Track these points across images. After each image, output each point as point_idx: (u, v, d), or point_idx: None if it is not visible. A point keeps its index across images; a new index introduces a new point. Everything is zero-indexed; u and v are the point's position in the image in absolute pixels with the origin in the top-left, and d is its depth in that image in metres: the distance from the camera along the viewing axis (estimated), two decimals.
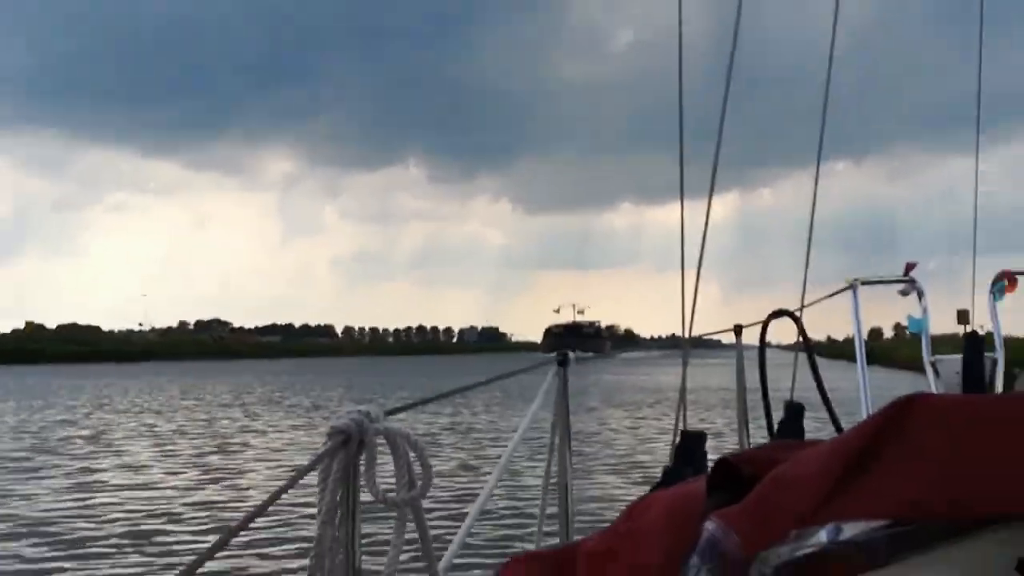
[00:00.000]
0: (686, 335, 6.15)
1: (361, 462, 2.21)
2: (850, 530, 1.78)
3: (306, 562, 2.15)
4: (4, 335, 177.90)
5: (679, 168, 6.28)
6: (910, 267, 6.21)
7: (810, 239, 7.23)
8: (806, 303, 6.54)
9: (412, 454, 2.23)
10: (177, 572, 1.70)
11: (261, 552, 13.14)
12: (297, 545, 13.09)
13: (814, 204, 7.41)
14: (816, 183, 7.53)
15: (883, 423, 1.72)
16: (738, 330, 6.44)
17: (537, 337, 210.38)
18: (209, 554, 1.88)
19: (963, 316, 6.35)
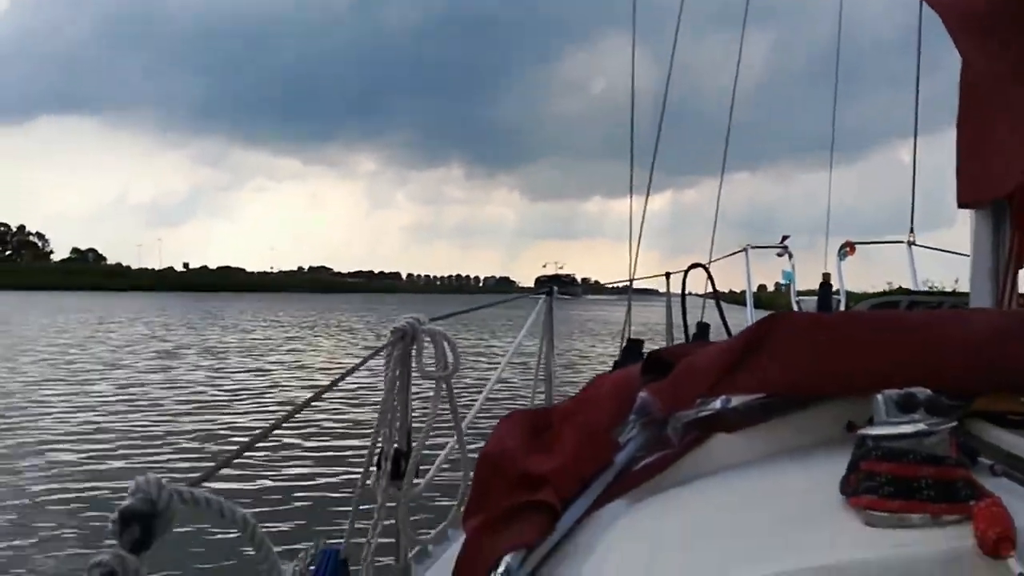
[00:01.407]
0: (631, 281, 6.19)
1: (412, 351, 2.22)
2: (735, 401, 1.80)
3: (374, 416, 2.18)
4: (185, 272, 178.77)
5: (629, 174, 6.32)
6: (785, 238, 6.26)
7: (716, 220, 7.16)
8: (713, 259, 6.53)
9: (447, 346, 2.25)
10: (284, 414, 1.70)
11: (341, 409, 13.27)
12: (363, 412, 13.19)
13: (719, 197, 7.36)
14: (720, 185, 7.47)
15: (758, 329, 1.73)
16: (667, 276, 6.42)
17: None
18: (305, 404, 1.90)
19: (825, 277, 6.40)
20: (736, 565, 1.19)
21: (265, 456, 9.82)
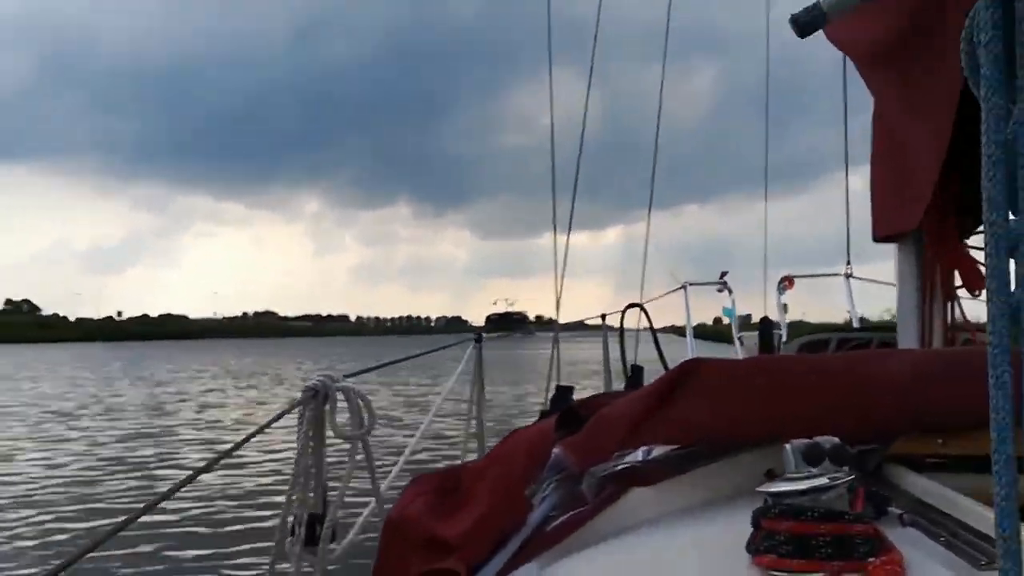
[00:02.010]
0: (558, 321, 6.16)
1: (326, 410, 2.17)
2: (652, 453, 1.78)
3: (287, 479, 2.12)
4: (124, 321, 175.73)
5: (552, 212, 6.20)
6: (723, 274, 6.33)
7: (644, 258, 7.14)
8: (650, 299, 6.54)
9: (362, 404, 2.20)
10: (171, 486, 1.64)
11: (249, 474, 12.63)
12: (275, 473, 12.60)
13: (647, 235, 7.35)
14: (648, 222, 7.42)
15: (675, 378, 1.71)
16: (603, 317, 6.42)
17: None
18: (203, 470, 1.84)
19: (765, 319, 6.48)
20: None
21: (172, 521, 9.32)
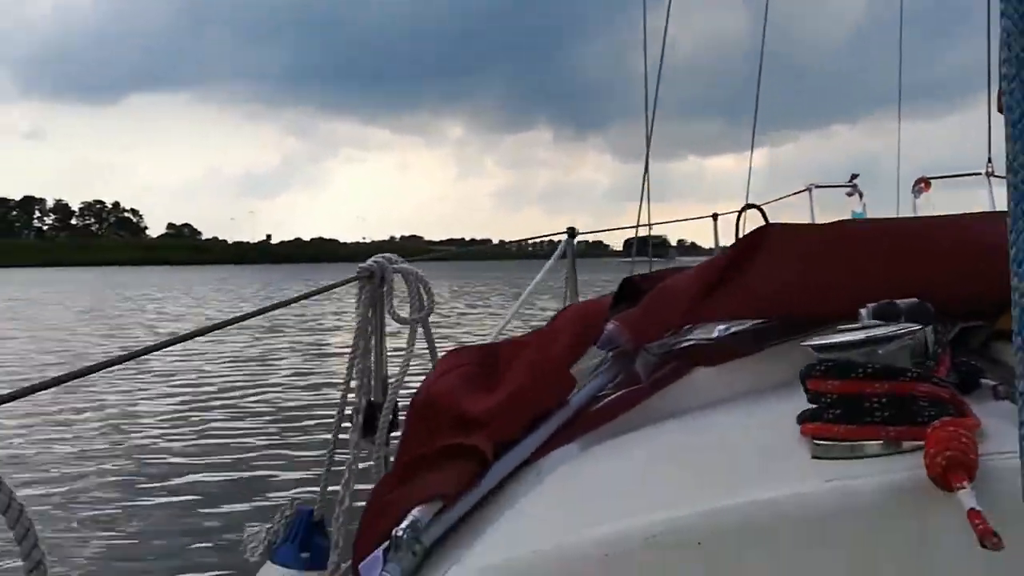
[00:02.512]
0: (637, 231, 5.85)
1: (383, 293, 2.06)
2: (716, 329, 1.58)
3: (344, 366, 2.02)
4: (277, 244, 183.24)
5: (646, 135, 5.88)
6: (854, 176, 5.93)
7: (750, 171, 6.69)
8: (768, 201, 6.19)
9: (421, 287, 2.08)
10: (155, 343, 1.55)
11: (308, 361, 12.71)
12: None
13: (751, 153, 6.90)
14: (752, 145, 6.98)
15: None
16: (714, 217, 6.10)
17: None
18: (227, 322, 1.74)
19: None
20: (668, 508, 0.99)
21: (228, 412, 9.45)
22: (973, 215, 1.74)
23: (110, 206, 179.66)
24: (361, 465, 2.02)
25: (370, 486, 2.08)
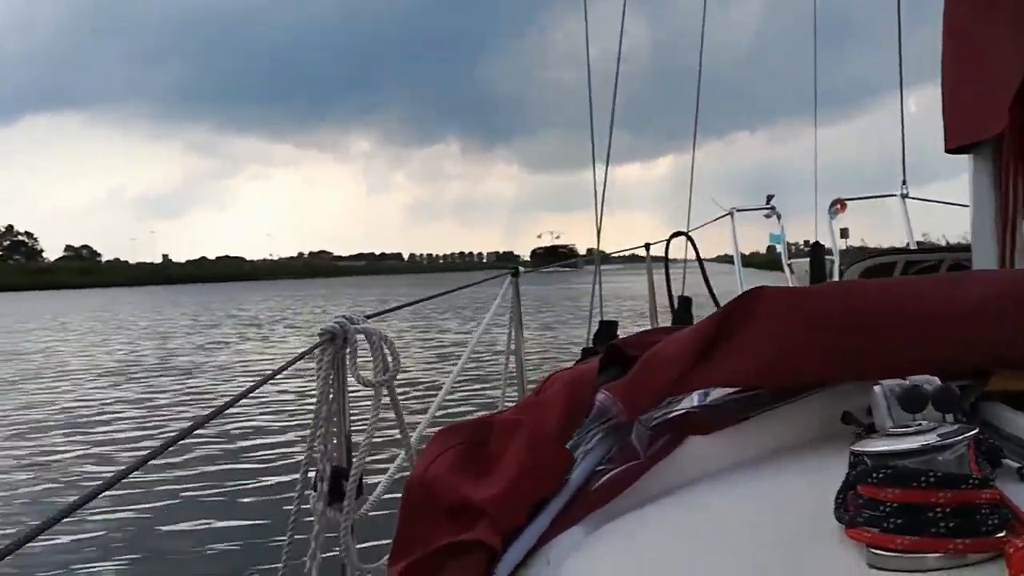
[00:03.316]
0: (598, 252, 5.98)
1: (347, 354, 1.98)
2: (709, 397, 1.55)
3: (306, 433, 1.93)
4: (181, 264, 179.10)
5: (591, 142, 6.05)
6: (770, 197, 6.06)
7: (691, 186, 6.90)
8: (696, 227, 6.29)
9: (385, 347, 2.00)
10: (169, 437, 1.45)
11: (261, 425, 12.18)
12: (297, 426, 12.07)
13: (693, 162, 7.09)
14: (693, 150, 7.17)
15: (734, 310, 1.47)
16: (647, 246, 6.16)
17: None
18: (209, 416, 1.65)
19: (816, 244, 6.21)
20: None
21: (187, 476, 8.98)
22: (956, 275, 1.76)
23: (3, 229, 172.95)
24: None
25: (335, 553, 2.01)
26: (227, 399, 1.77)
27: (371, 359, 2.00)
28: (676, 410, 1.49)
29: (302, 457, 1.93)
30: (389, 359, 2.00)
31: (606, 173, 5.69)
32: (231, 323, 36.44)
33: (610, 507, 1.38)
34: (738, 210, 5.96)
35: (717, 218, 6.15)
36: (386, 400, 2.04)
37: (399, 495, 2.36)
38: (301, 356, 1.92)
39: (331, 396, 1.96)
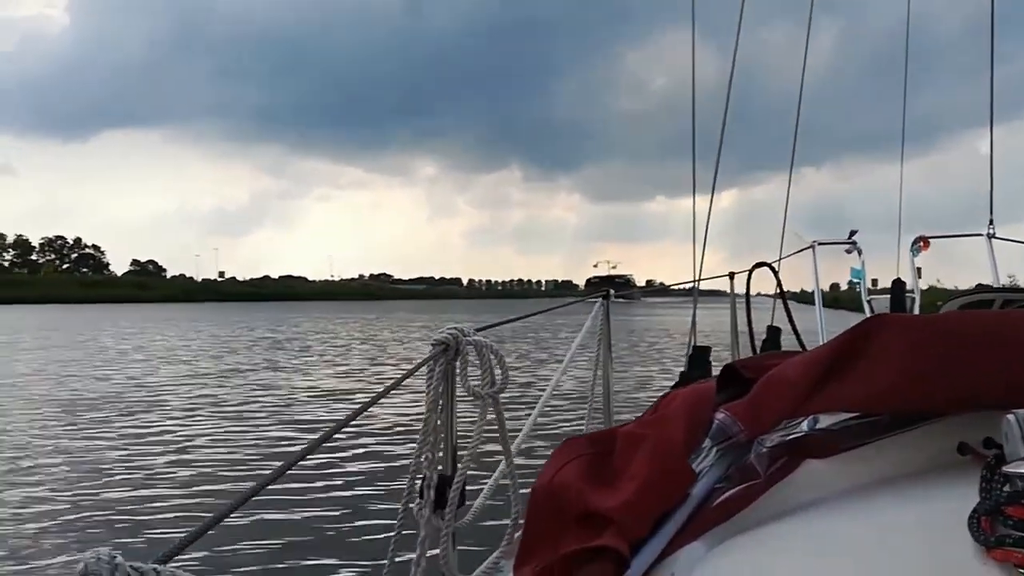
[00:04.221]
0: (696, 282, 6.01)
1: (456, 366, 2.03)
2: (827, 420, 1.57)
3: (414, 439, 1.98)
4: (245, 282, 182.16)
5: (692, 173, 6.22)
6: (853, 233, 6.00)
7: (785, 218, 6.95)
8: (776, 259, 6.28)
9: (494, 359, 2.04)
10: (305, 444, 1.51)
11: (377, 433, 12.51)
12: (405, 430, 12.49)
13: (788, 197, 7.15)
14: (789, 182, 7.25)
15: (854, 337, 1.49)
16: (731, 276, 6.17)
17: None
18: (336, 428, 1.71)
19: (897, 281, 6.15)
20: None
21: (297, 485, 9.22)
22: None
23: (71, 242, 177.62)
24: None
25: (436, 553, 2.05)
26: (348, 412, 1.82)
27: (479, 370, 2.04)
28: (794, 432, 1.52)
29: (409, 463, 1.99)
30: (498, 372, 2.04)
31: (710, 204, 5.76)
32: (316, 340, 37.05)
33: (731, 523, 1.41)
34: (820, 243, 5.92)
35: (798, 251, 6.12)
36: (491, 412, 2.08)
37: (497, 503, 2.42)
38: (418, 367, 1.97)
39: (440, 406, 2.00)
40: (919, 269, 6.73)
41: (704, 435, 1.55)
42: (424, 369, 1.99)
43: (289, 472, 1.42)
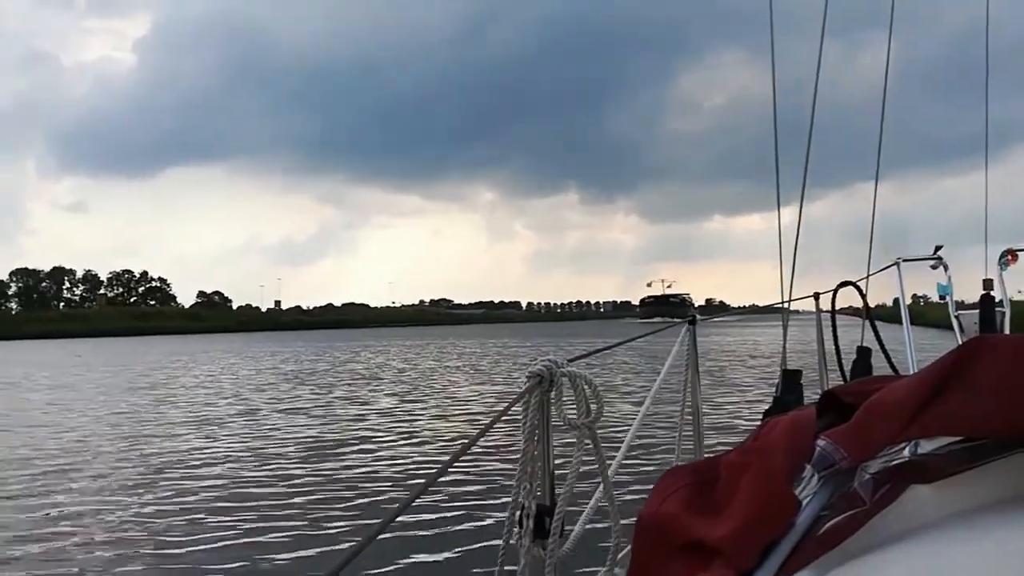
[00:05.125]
0: (786, 303, 5.98)
1: (551, 396, 2.08)
2: (928, 445, 1.58)
3: (515, 468, 2.04)
4: (310, 310, 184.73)
5: (775, 187, 6.24)
6: (938, 248, 5.89)
7: (871, 233, 6.86)
8: (861, 278, 6.20)
9: (588, 390, 2.09)
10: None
11: (477, 464, 12.53)
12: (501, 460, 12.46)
13: (874, 210, 7.05)
14: (875, 197, 7.14)
15: (957, 359, 1.50)
16: (816, 296, 6.10)
17: None
18: (449, 463, 1.77)
19: (987, 283, 6.05)
20: None
21: (396, 521, 9.34)
22: None
23: (138, 276, 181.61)
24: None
25: None
26: (463, 443, 1.88)
27: (574, 401, 2.09)
28: (898, 458, 1.53)
29: (507, 495, 2.04)
30: (592, 404, 2.08)
31: (799, 221, 5.75)
32: (388, 371, 37.35)
33: (838, 551, 1.42)
34: (904, 260, 5.84)
35: (882, 268, 6.04)
36: (587, 442, 2.12)
37: (595, 530, 2.46)
38: (517, 400, 2.03)
39: (536, 436, 2.06)
40: (989, 280, 6.60)
41: (806, 462, 1.57)
42: (520, 401, 2.05)
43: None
